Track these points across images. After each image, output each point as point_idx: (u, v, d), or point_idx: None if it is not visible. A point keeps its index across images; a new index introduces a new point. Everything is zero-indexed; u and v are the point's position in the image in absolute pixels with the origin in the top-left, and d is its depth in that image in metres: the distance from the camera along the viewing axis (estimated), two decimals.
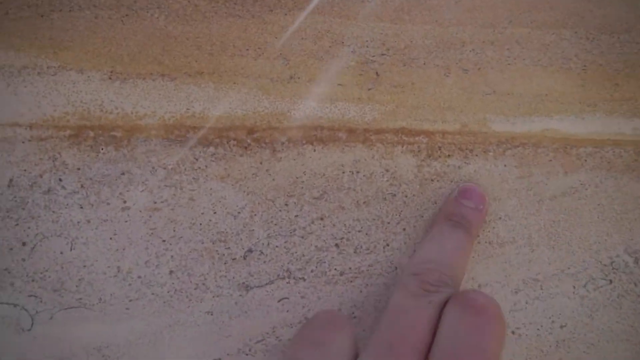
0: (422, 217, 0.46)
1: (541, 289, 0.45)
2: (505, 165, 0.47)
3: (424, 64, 0.48)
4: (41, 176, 0.43)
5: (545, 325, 0.45)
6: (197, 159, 0.44)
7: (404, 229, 0.46)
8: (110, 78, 0.45)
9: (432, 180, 0.46)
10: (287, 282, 0.44)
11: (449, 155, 0.47)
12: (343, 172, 0.46)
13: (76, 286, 0.42)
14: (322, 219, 0.45)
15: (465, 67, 0.48)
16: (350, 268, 0.45)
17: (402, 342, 0.32)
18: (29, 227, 0.42)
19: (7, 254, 0.42)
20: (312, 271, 0.44)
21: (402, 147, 0.47)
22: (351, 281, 0.45)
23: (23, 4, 0.44)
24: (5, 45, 0.44)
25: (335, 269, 0.45)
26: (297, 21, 0.46)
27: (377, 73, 0.47)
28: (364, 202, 0.46)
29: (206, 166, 0.44)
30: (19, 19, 0.44)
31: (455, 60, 0.48)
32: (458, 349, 0.30)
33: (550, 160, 0.48)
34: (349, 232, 0.45)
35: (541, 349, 0.45)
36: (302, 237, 0.45)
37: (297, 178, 0.45)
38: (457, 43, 0.49)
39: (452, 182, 0.47)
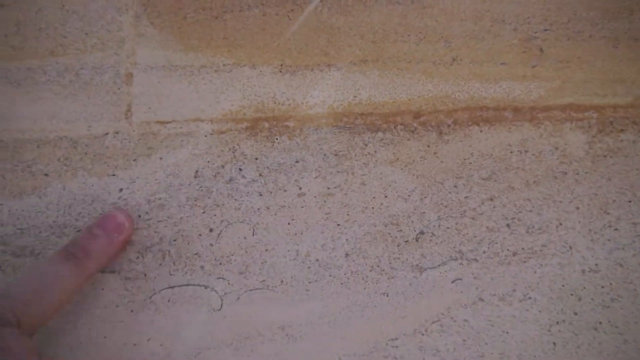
0: (596, 195, 0.44)
1: None
2: None
3: (590, 36, 0.46)
4: (223, 167, 0.46)
5: None
6: (366, 145, 0.46)
7: (577, 208, 0.44)
8: (280, 71, 0.47)
9: (604, 156, 0.45)
10: (459, 263, 0.44)
11: (621, 130, 0.45)
12: (511, 152, 0.45)
13: (259, 269, 0.45)
14: (492, 199, 0.45)
15: (636, 36, 0.46)
16: (522, 248, 0.44)
17: None
18: (214, 215, 0.45)
19: (196, 239, 0.45)
20: (484, 252, 0.44)
21: (571, 123, 0.45)
22: (524, 262, 0.44)
23: (198, 8, 0.48)
24: (185, 47, 0.47)
25: (508, 249, 0.44)
26: (456, 3, 0.46)
27: (541, 49, 0.46)
28: (534, 182, 0.45)
29: (375, 151, 0.45)
30: (196, 22, 0.48)
31: (623, 30, 0.46)
32: None
33: None
34: (520, 212, 0.45)
35: None
36: (473, 218, 0.45)
37: (464, 159, 0.45)
38: (625, 12, 0.47)
39: (626, 157, 0.45)
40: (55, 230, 0.45)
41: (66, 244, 0.42)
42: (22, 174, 0.46)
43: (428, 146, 0.45)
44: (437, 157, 0.45)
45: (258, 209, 0.46)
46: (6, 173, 0.46)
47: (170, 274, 0.45)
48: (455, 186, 0.45)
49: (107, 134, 0.47)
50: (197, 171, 0.46)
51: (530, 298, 0.43)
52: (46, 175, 0.46)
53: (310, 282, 0.45)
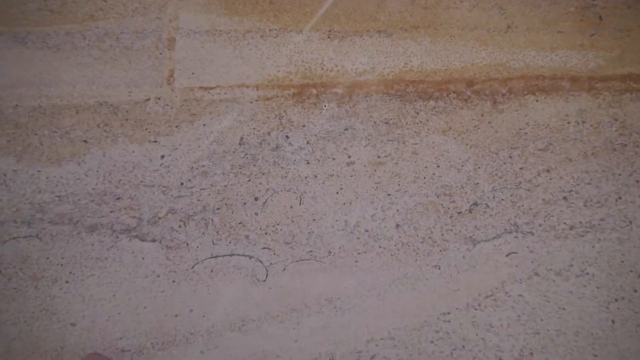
0: None
1: None
2: None
3: None
4: (269, 134, 0.44)
5: None
6: (417, 113, 0.44)
7: (637, 181, 0.43)
8: (329, 37, 0.45)
9: None
10: (514, 236, 0.43)
11: None
12: (568, 123, 0.44)
13: (306, 239, 0.43)
14: (548, 171, 0.43)
15: None
16: (580, 222, 0.43)
17: None
18: (260, 183, 0.44)
19: (241, 208, 0.43)
20: (540, 225, 0.43)
21: (631, 94, 0.44)
22: (582, 236, 0.43)
23: None
24: (230, 11, 0.46)
25: (565, 222, 0.43)
26: None
27: (599, 17, 0.44)
28: (592, 153, 0.43)
29: (427, 120, 0.44)
30: None
31: None
32: None
33: None
34: (578, 184, 0.43)
35: None
36: (529, 190, 0.43)
37: (520, 129, 0.44)
38: None
39: None
40: (95, 197, 0.44)
41: None
42: (61, 140, 0.45)
43: (482, 115, 0.44)
44: (492, 126, 0.44)
45: (305, 177, 0.44)
46: (44, 139, 0.44)
47: (214, 244, 0.43)
48: (510, 157, 0.43)
49: (148, 99, 0.45)
50: (242, 138, 0.45)
51: (587, 274, 0.42)
52: (85, 141, 0.45)
53: (359, 254, 0.43)
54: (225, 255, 0.44)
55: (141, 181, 0.44)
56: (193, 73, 0.46)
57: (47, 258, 0.43)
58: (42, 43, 0.46)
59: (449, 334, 0.42)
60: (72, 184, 0.44)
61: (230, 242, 0.44)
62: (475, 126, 0.44)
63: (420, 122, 0.44)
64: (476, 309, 0.42)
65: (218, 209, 0.44)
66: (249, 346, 0.43)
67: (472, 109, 0.44)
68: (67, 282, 0.43)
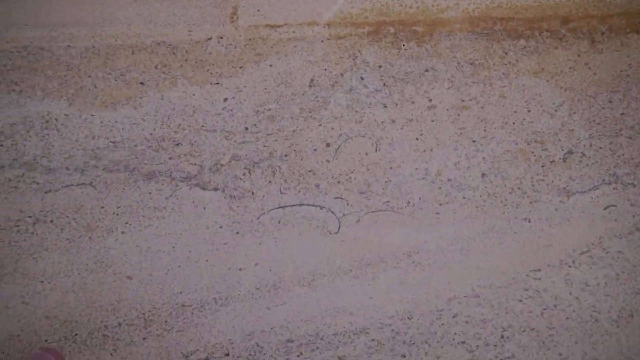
0: None
1: None
2: None
3: None
4: (342, 75, 0.41)
5: None
6: (506, 53, 0.40)
7: None
8: None
9: None
10: (613, 188, 0.39)
11: None
12: None
13: (383, 189, 0.40)
14: None
15: None
16: None
17: None
18: (332, 128, 0.40)
19: (311, 155, 0.40)
20: None
21: None
22: None
23: None
24: None
25: None
26: None
27: None
28: None
29: (517, 60, 0.40)
30: None
31: None
32: None
33: None
34: None
35: None
36: (630, 138, 0.39)
37: (621, 71, 0.40)
38: None
39: None
40: (152, 143, 0.41)
41: None
42: (116, 82, 0.41)
43: (578, 56, 0.40)
44: (589, 68, 0.40)
45: (382, 122, 0.41)
46: (98, 82, 0.41)
47: (281, 193, 0.40)
48: (609, 101, 0.39)
49: (209, 39, 0.42)
50: (312, 80, 0.41)
51: None
52: (142, 84, 0.41)
53: (440, 205, 0.40)
54: (293, 205, 0.40)
55: (202, 126, 0.41)
56: (258, 10, 0.42)
57: (102, 207, 0.41)
58: None
59: (539, 292, 0.39)
60: (128, 129, 0.41)
61: (299, 191, 0.41)
62: (570, 68, 0.40)
63: (509, 63, 0.41)
64: (570, 266, 0.39)
65: (286, 155, 0.41)
66: (319, 303, 0.40)
67: (567, 48, 0.40)
68: (122, 232, 0.40)
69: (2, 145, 0.41)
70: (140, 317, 0.40)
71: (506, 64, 0.41)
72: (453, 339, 0.39)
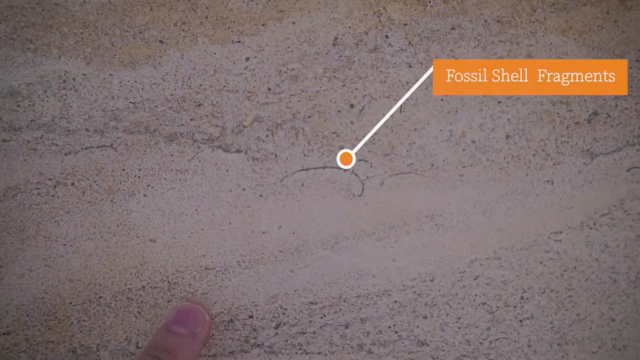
0: None
1: None
2: None
3: None
4: (366, 33, 0.40)
5: None
6: (534, 10, 0.39)
7: None
8: None
9: None
10: (637, 150, 0.39)
11: None
12: None
13: (407, 151, 0.40)
14: None
15: None
16: None
17: None
18: (356, 88, 0.40)
19: (334, 116, 0.40)
20: None
21: None
22: None
23: None
24: None
25: None
26: None
27: None
28: None
29: (545, 18, 0.39)
30: None
31: None
32: None
33: None
34: None
35: None
36: None
37: None
38: None
39: None
40: (173, 104, 0.40)
41: (147, 347, 0.36)
42: (134, 40, 0.40)
43: (607, 13, 0.39)
44: (618, 26, 0.39)
45: (407, 82, 0.40)
46: (115, 40, 0.40)
47: (305, 155, 0.40)
48: (637, 60, 0.39)
49: None
50: (335, 38, 0.40)
51: None
52: (161, 42, 0.40)
53: (464, 167, 0.40)
54: (317, 168, 0.40)
55: (224, 86, 0.40)
56: None
57: (123, 170, 0.40)
58: None
59: (559, 254, 0.40)
60: (148, 89, 0.41)
61: (322, 154, 0.40)
62: (599, 25, 0.39)
63: (537, 20, 0.40)
64: (591, 228, 0.39)
65: (309, 116, 0.40)
66: (343, 265, 0.40)
67: (596, 5, 0.39)
68: (145, 195, 0.40)
69: (19, 106, 0.40)
70: (164, 280, 0.40)
71: (534, 22, 0.40)
72: (474, 301, 0.40)
